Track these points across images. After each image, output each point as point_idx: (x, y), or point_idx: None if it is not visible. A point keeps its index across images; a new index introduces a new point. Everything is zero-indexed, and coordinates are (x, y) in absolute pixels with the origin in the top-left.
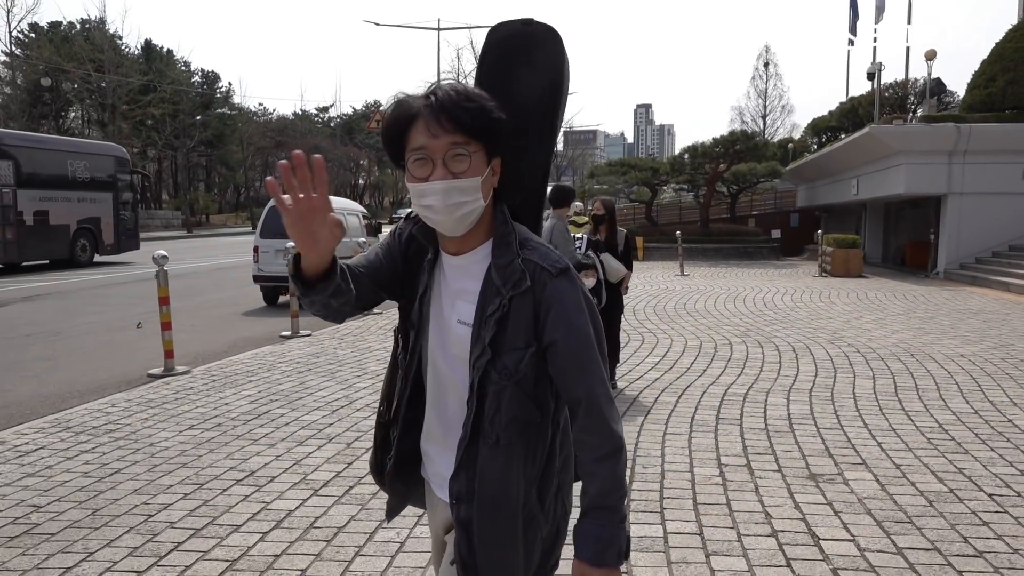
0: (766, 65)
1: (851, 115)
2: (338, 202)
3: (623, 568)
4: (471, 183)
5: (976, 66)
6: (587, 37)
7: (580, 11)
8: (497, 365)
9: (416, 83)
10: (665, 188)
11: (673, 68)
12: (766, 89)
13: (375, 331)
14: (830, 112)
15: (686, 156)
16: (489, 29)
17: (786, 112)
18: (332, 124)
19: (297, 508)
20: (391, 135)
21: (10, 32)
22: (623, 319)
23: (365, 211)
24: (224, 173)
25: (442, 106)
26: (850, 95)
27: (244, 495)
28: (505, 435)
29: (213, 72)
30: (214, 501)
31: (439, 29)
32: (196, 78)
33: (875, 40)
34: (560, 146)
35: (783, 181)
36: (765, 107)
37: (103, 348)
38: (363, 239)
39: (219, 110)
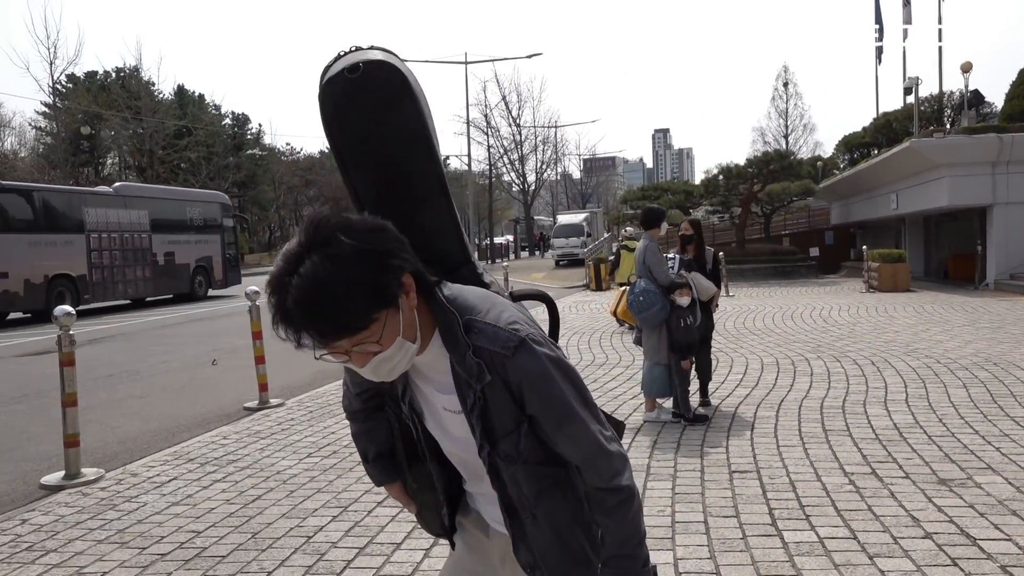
0: (785, 85)
1: (885, 130)
2: None
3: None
4: (395, 347)
5: (1014, 76)
6: (603, 66)
7: (594, 41)
8: (500, 452)
9: (447, 116)
10: (696, 210)
11: (689, 92)
12: (787, 108)
13: None
14: (864, 128)
15: (720, 177)
16: (320, 84)
17: (808, 130)
18: None
19: None
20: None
21: (52, 83)
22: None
23: None
24: (257, 213)
25: (297, 337)
26: (882, 111)
27: (391, 515)
28: (539, 510)
29: (243, 114)
30: (364, 522)
31: (466, 63)
32: (227, 120)
33: (904, 55)
34: (577, 174)
35: (816, 199)
36: (787, 126)
37: (189, 385)
38: None
39: (250, 151)
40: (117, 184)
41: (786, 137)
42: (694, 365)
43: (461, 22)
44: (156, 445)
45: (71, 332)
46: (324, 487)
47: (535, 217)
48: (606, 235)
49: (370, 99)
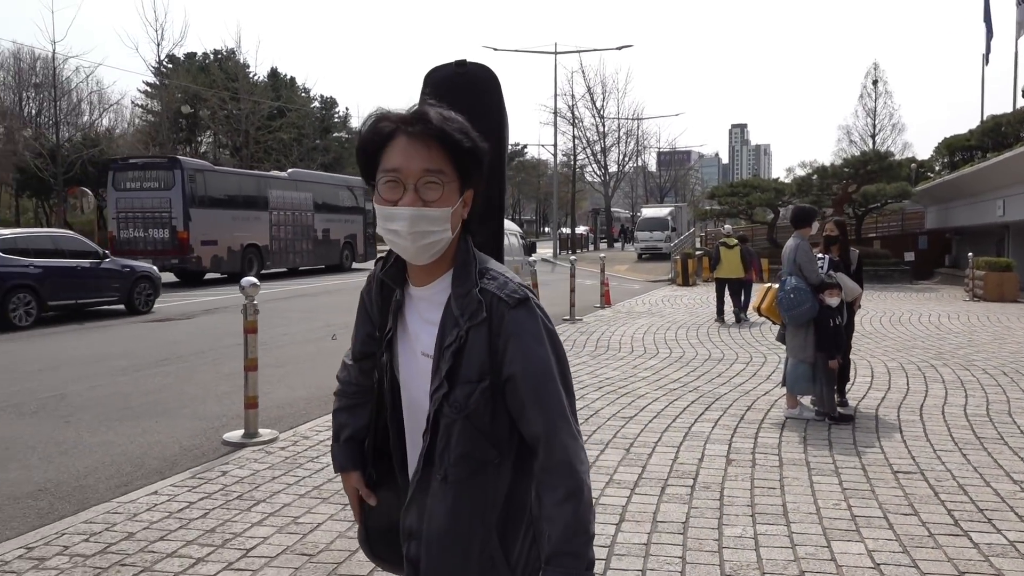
0: (875, 83)
1: (993, 133)
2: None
3: None
4: (441, 213)
5: None
6: (683, 58)
7: (674, 31)
8: (450, 398)
9: (532, 106)
10: (784, 209)
11: (769, 87)
12: (875, 107)
13: None
14: (970, 131)
15: (814, 177)
16: (426, 73)
17: (897, 130)
18: None
19: None
20: (366, 150)
21: (159, 62)
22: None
23: (520, 230)
24: None
25: (423, 129)
26: (988, 113)
27: None
28: (453, 472)
29: (331, 98)
30: None
31: (555, 53)
32: (316, 103)
33: (1016, 57)
34: (653, 167)
35: (912, 202)
36: (875, 126)
37: (318, 356)
38: (520, 258)
39: (336, 134)
40: (291, 170)
41: (873, 136)
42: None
43: (551, 12)
44: (313, 411)
45: (255, 302)
46: None
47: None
48: (691, 230)
49: (468, 87)
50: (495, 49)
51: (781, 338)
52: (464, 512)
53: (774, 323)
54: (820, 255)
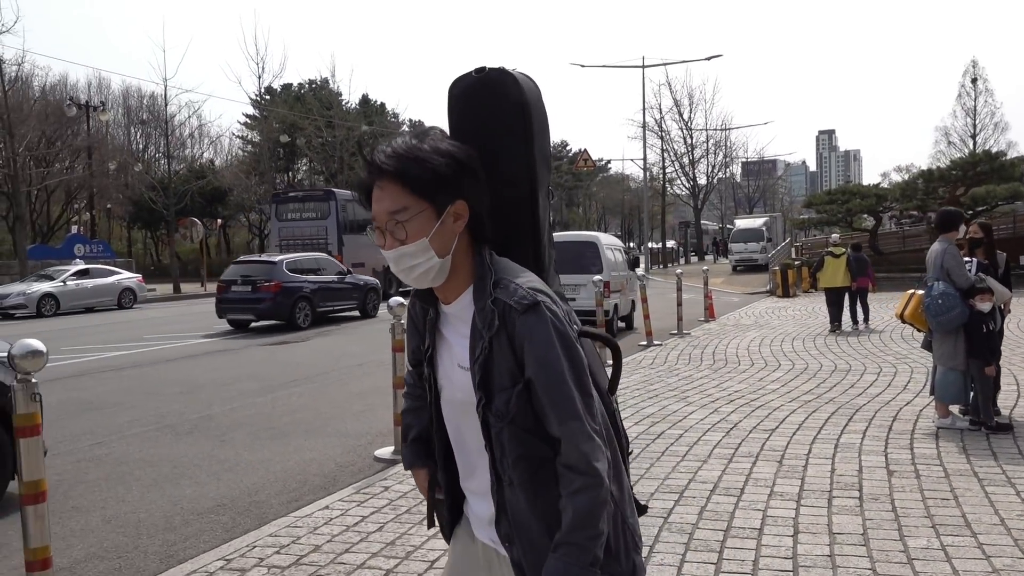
0: (974, 81)
1: None
2: (605, 238)
3: None
4: (416, 247)
5: None
6: (767, 65)
7: (761, 39)
8: (492, 408)
9: (620, 121)
10: (885, 215)
11: (859, 90)
12: (975, 106)
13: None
14: None
15: (919, 181)
16: (449, 85)
17: (1000, 130)
18: None
19: None
20: (367, 204)
21: (258, 94)
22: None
23: (621, 244)
24: None
25: (376, 174)
26: None
27: None
28: (516, 475)
29: (419, 121)
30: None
31: (643, 67)
32: (405, 127)
33: None
34: (738, 177)
35: None
36: (975, 125)
37: None
38: (624, 273)
39: None
40: None
41: (974, 137)
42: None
43: (637, 27)
44: None
45: (402, 321)
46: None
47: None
48: (787, 240)
49: (485, 91)
50: (582, 66)
51: (927, 345)
52: (542, 509)
53: (918, 330)
54: (967, 259)
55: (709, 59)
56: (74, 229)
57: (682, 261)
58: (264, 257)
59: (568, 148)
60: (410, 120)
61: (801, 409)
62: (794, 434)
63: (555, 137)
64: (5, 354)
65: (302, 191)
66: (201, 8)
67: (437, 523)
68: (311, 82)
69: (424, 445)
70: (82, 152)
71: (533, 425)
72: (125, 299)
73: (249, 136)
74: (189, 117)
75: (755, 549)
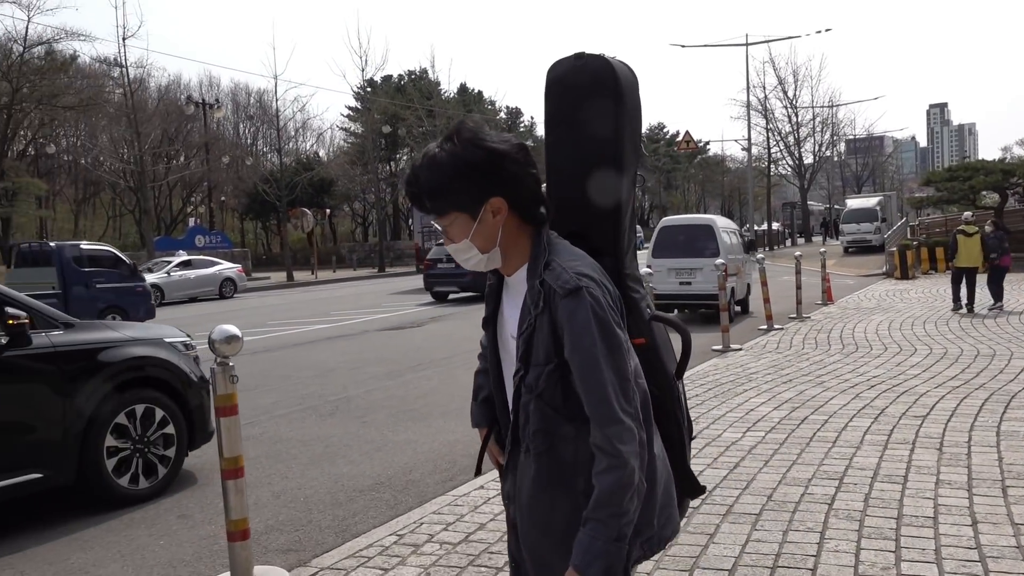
0: None
1: None
2: (720, 221)
3: None
4: (463, 245)
5: None
6: (873, 37)
7: (869, 10)
8: (526, 380)
9: (721, 101)
10: (1011, 192)
11: (971, 61)
12: None
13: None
14: None
15: None
16: (548, 68)
17: None
18: None
19: None
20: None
21: (360, 87)
22: None
23: (736, 227)
24: None
25: (408, 195)
26: None
27: None
28: (533, 445)
29: (516, 108)
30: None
31: (746, 44)
32: (502, 114)
33: None
34: (842, 154)
35: None
36: None
37: None
38: (740, 256)
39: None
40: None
41: None
42: None
43: (737, 5)
44: None
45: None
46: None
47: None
48: (902, 219)
49: (581, 76)
50: (683, 46)
51: None
52: (545, 480)
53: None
54: None
55: (818, 33)
56: (191, 221)
57: (788, 243)
58: None
59: (665, 130)
60: (507, 108)
61: (950, 395)
62: (948, 421)
63: (652, 119)
64: (175, 339)
65: None
66: (307, 7)
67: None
68: (410, 73)
69: (490, 406)
70: (199, 148)
71: (561, 404)
72: (226, 289)
73: (352, 128)
74: (296, 113)
75: (933, 539)
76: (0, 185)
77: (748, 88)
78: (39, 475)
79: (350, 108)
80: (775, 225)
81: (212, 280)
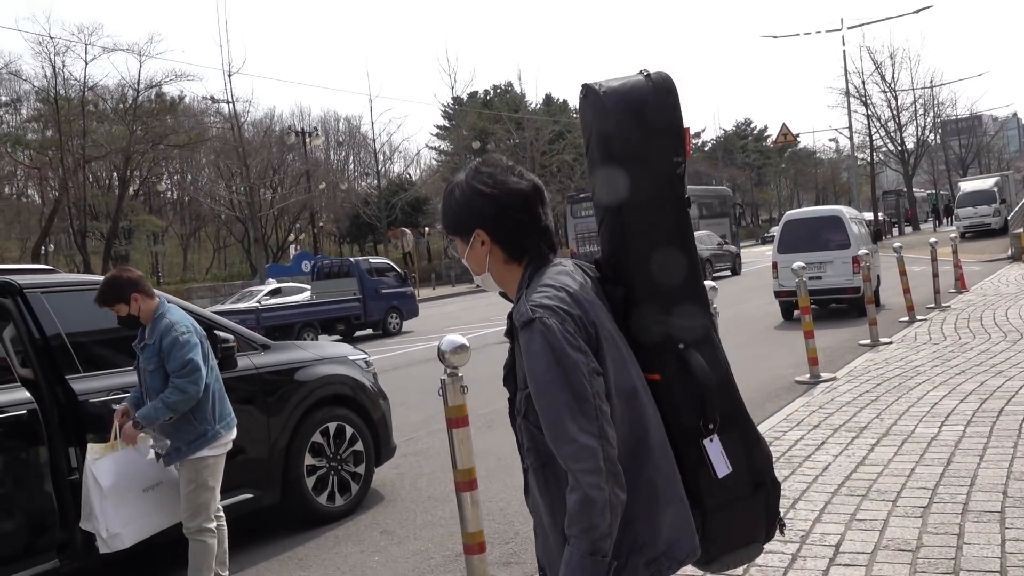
0: None
1: None
2: (847, 211)
3: None
4: (465, 263)
5: None
6: (973, 11)
7: None
8: (514, 402)
9: (806, 92)
10: None
11: None
12: None
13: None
14: None
15: None
16: (607, 88)
17: None
18: (705, 148)
19: None
20: None
21: (447, 105)
22: None
23: (861, 216)
24: None
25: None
26: None
27: None
28: (529, 462)
29: None
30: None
31: (842, 30)
32: None
33: None
34: (938, 137)
35: None
36: None
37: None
38: (869, 247)
39: None
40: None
41: None
42: None
43: None
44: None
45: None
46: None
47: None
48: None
49: (658, 93)
50: (774, 37)
51: None
52: (545, 492)
53: None
54: None
55: (917, 12)
56: (292, 248)
57: (895, 232)
58: None
59: (752, 125)
60: None
61: None
62: None
63: (739, 115)
64: (356, 357)
65: (587, 191)
66: (393, 33)
67: None
68: (495, 87)
69: None
70: (300, 176)
71: (539, 424)
72: None
73: (441, 146)
74: (391, 135)
75: None
76: (121, 225)
77: (846, 74)
78: (250, 495)
79: (439, 127)
80: (879, 215)
81: None
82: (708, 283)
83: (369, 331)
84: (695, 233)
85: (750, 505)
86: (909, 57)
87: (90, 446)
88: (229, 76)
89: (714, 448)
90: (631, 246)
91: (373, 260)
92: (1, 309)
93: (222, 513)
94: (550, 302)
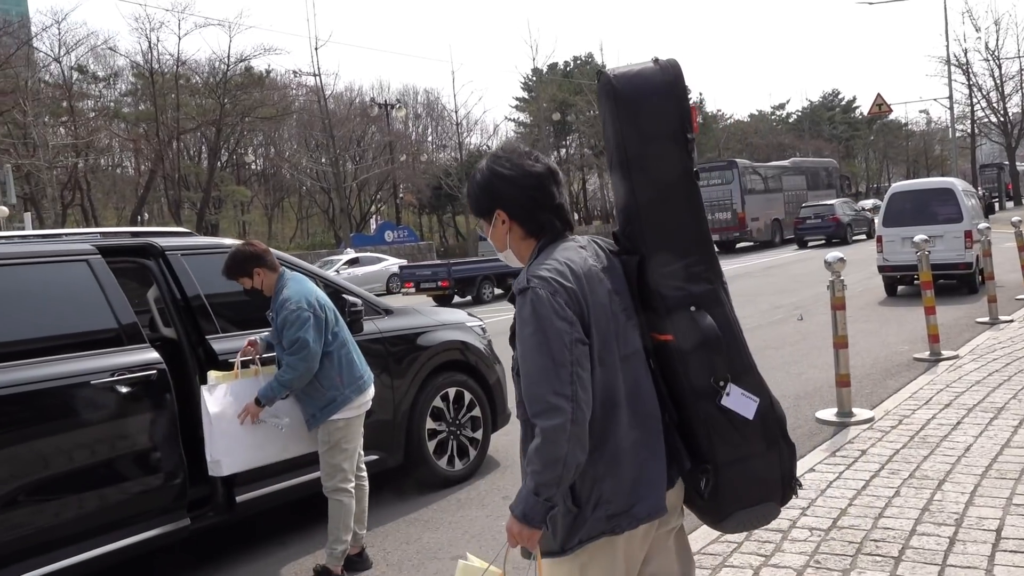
0: None
1: None
2: (960, 183)
3: None
4: (489, 242)
5: None
6: None
7: None
8: (513, 360)
9: (912, 61)
10: None
11: None
12: None
13: None
14: None
15: None
16: (616, 77)
17: None
18: (790, 119)
19: None
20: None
21: (529, 76)
22: None
23: (972, 189)
24: None
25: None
26: None
27: None
28: (518, 412)
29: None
30: None
31: None
32: None
33: None
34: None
35: None
36: None
37: (811, 336)
38: (977, 221)
39: None
40: (792, 159)
41: None
42: None
43: None
44: (865, 391)
45: (841, 278)
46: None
47: (990, 164)
48: None
49: (658, 78)
50: (870, 3)
51: None
52: (528, 440)
53: None
54: None
55: None
56: (373, 219)
57: (996, 208)
58: (824, 201)
59: (840, 96)
60: None
61: None
62: None
63: (826, 86)
64: (473, 324)
65: (707, 163)
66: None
67: None
68: (576, 58)
69: None
70: (383, 148)
71: None
72: (393, 284)
73: (520, 118)
74: (472, 107)
75: None
76: (213, 195)
77: (947, 41)
78: (376, 456)
79: (518, 99)
80: (979, 189)
81: (380, 276)
82: (835, 253)
83: None
84: (830, 202)
85: (763, 463)
86: (1016, 23)
87: (210, 373)
88: (316, 49)
89: (734, 396)
90: (644, 217)
91: None
92: (145, 270)
93: (364, 473)
94: (547, 274)
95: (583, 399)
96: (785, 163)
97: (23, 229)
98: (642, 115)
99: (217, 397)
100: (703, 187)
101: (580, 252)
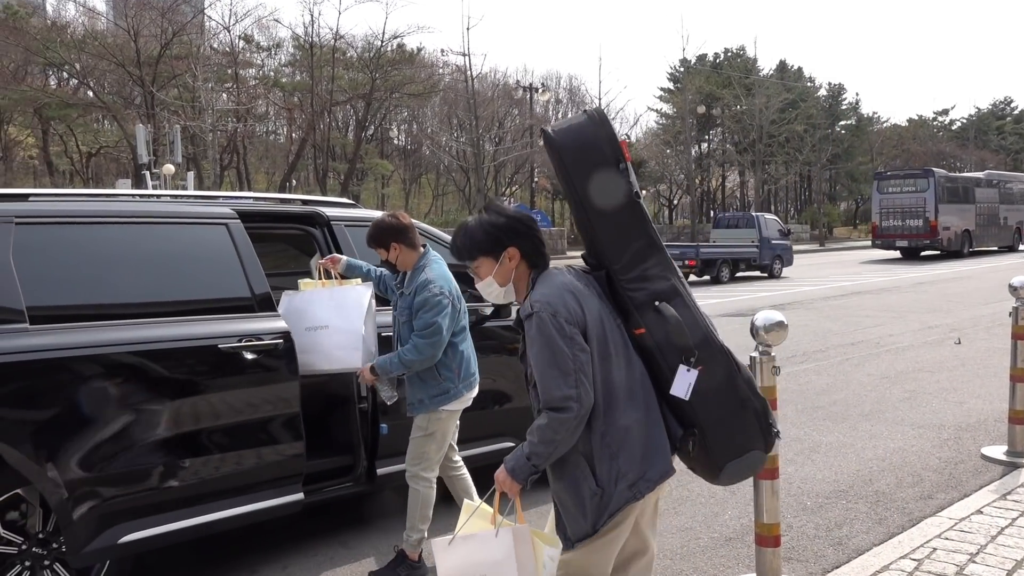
0: None
1: None
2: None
3: None
4: (487, 281)
5: None
6: None
7: None
8: (528, 376)
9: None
10: None
11: None
12: None
13: None
14: None
15: None
16: (555, 131)
17: None
18: (953, 127)
19: None
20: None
21: (673, 68)
22: None
23: None
24: (849, 185)
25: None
26: None
27: None
28: (534, 405)
29: (839, 84)
30: None
31: None
32: (822, 91)
33: None
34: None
35: None
36: None
37: (970, 362)
38: None
39: (845, 122)
40: (986, 171)
41: None
42: None
43: None
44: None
45: (1016, 304)
46: None
47: None
48: None
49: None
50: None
51: None
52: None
53: None
54: None
55: None
56: (508, 201)
57: None
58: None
59: (1013, 105)
60: (829, 84)
61: None
62: None
63: (997, 94)
64: None
65: (903, 170)
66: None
67: None
68: (726, 51)
69: None
70: (524, 131)
71: None
72: None
73: (663, 109)
74: (614, 98)
75: None
76: (357, 166)
77: None
78: (512, 443)
79: (663, 89)
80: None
81: None
82: (1021, 278)
83: (757, 272)
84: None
85: (742, 420)
86: None
87: (300, 282)
88: (468, 29)
89: (684, 376)
90: (602, 239)
91: (769, 216)
92: (311, 238)
93: (461, 463)
94: (547, 299)
95: (586, 398)
96: (979, 175)
97: (185, 188)
98: (581, 158)
99: (286, 301)
100: (897, 194)
101: (568, 276)
